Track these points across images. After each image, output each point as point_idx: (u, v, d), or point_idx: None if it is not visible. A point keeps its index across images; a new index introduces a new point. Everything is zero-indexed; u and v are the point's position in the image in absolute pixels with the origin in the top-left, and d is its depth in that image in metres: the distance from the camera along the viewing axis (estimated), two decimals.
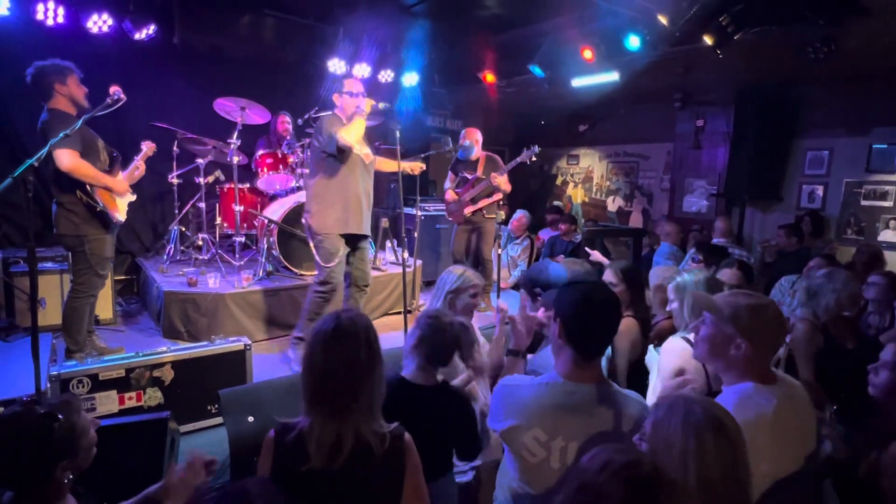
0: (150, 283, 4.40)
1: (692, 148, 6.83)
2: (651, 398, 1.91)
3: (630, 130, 7.58)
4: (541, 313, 1.92)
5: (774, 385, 1.50)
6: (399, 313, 4.85)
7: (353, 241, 3.57)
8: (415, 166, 4.04)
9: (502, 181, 4.59)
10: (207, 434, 2.71)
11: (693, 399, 1.18)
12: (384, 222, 5.25)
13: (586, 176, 8.46)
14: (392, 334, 4.19)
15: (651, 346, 2.30)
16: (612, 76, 5.18)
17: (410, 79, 6.29)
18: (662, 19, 3.51)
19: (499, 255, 4.47)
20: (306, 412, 1.34)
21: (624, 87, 5.47)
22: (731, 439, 1.10)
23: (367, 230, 3.59)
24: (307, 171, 4.63)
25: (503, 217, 4.67)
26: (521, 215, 6.40)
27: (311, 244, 3.49)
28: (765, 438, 1.36)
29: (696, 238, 6.24)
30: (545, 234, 6.88)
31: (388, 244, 5.29)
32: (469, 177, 4.78)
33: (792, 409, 1.48)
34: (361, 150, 3.46)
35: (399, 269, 4.96)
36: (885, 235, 5.45)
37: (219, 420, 2.75)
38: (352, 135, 3.27)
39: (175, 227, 4.70)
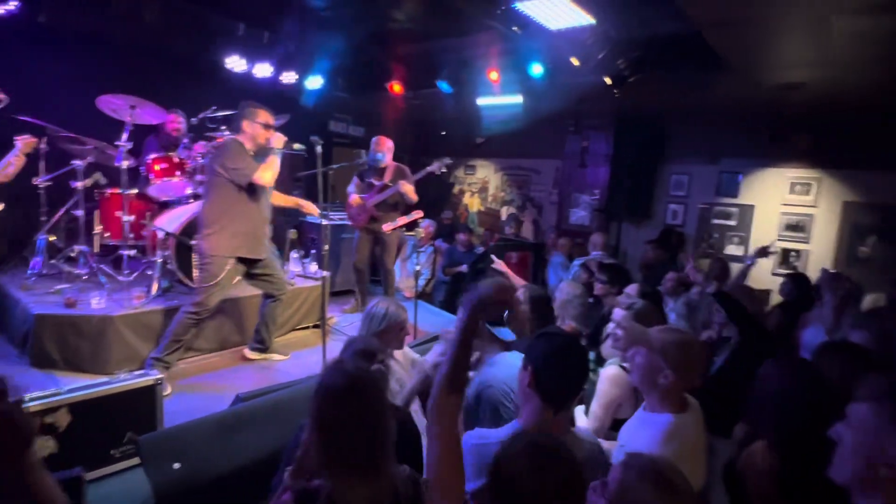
0: (11, 302, 3.77)
1: (578, 166, 7.48)
2: (591, 423, 2.11)
3: (524, 146, 8.08)
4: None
5: (686, 412, 1.75)
6: (307, 328, 4.71)
7: (249, 263, 3.52)
8: (312, 209, 3.97)
9: (410, 190, 4.67)
10: (112, 482, 2.42)
11: (663, 465, 1.23)
12: (291, 233, 5.03)
13: (482, 186, 8.85)
14: (306, 351, 4.07)
15: None
16: (516, 99, 5.50)
17: (314, 82, 6.09)
18: (574, 62, 3.84)
19: (416, 267, 4.51)
20: (328, 475, 1.26)
21: (524, 108, 5.84)
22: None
23: (264, 254, 3.57)
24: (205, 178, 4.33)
25: (422, 234, 4.74)
26: (426, 225, 6.52)
27: (196, 263, 3.42)
28: (684, 467, 1.60)
29: (578, 249, 6.86)
30: (442, 244, 7.01)
31: (295, 256, 5.09)
32: (376, 183, 4.78)
33: (696, 432, 1.75)
34: None
35: (306, 283, 4.84)
36: (730, 249, 6.47)
37: (124, 465, 2.48)
38: (269, 175, 3.29)
39: (42, 237, 4.06)
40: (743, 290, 4.63)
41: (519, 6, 3.26)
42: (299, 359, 3.92)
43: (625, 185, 6.93)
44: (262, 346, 3.82)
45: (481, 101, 5.76)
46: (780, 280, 4.76)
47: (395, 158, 4.95)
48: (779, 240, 6.06)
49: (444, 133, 8.35)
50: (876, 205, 5.58)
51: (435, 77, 5.72)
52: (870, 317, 3.90)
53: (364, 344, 2.01)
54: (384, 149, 4.74)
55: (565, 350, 1.57)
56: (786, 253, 6.08)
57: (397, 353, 2.63)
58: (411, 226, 4.88)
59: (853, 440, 1.02)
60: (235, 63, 5.26)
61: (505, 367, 2.16)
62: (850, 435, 1.04)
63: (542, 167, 8.15)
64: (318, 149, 3.44)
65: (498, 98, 5.61)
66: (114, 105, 3.99)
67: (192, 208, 4.10)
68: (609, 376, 2.14)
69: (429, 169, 4.83)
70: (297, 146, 3.56)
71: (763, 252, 4.25)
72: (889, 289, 4.67)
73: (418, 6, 4.75)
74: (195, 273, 3.37)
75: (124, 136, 3.81)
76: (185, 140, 4.57)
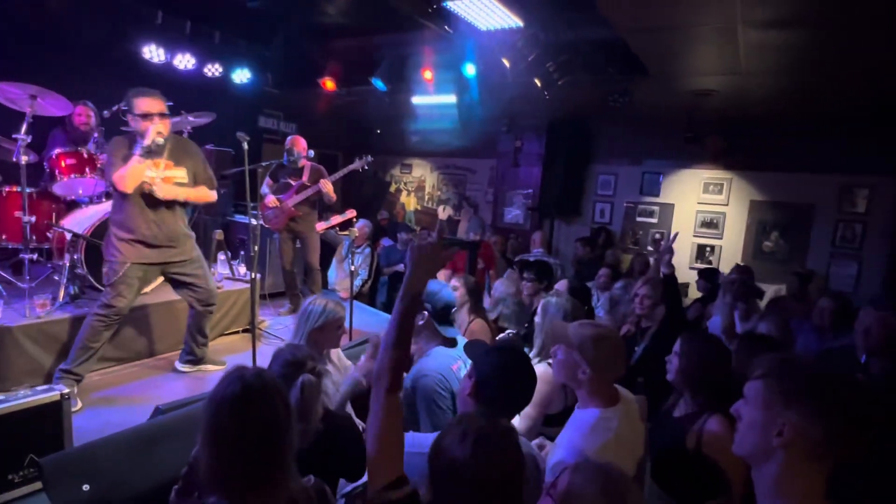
0: None
1: (512, 165, 7.65)
2: (524, 423, 2.14)
3: (459, 145, 8.15)
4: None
5: (616, 405, 1.81)
6: (237, 332, 4.51)
7: (165, 268, 3.25)
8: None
9: (330, 189, 4.59)
10: None
11: (612, 470, 1.23)
12: (217, 234, 4.79)
13: (419, 185, 8.84)
14: (236, 357, 3.88)
15: None
16: (451, 98, 5.54)
17: (241, 76, 5.83)
18: (506, 62, 3.92)
19: (351, 268, 4.44)
20: (222, 493, 1.19)
21: (458, 108, 5.90)
22: None
23: (179, 257, 3.26)
24: None
25: (356, 234, 4.67)
26: (362, 224, 6.41)
27: (105, 266, 3.09)
28: (614, 457, 1.65)
29: (511, 246, 7.03)
30: (386, 242, 6.99)
31: (222, 257, 4.85)
32: (293, 183, 4.67)
33: (628, 424, 1.81)
34: (160, 173, 3.06)
35: (235, 285, 4.63)
36: (653, 246, 6.85)
37: (26, 490, 2.26)
38: (128, 181, 2.89)
39: None
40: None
41: (450, 5, 3.28)
42: (229, 365, 3.74)
43: (556, 184, 7.16)
44: (194, 357, 3.60)
45: (416, 100, 5.74)
46: (696, 273, 5.12)
47: (329, 156, 4.85)
48: (695, 236, 6.49)
49: (379, 131, 8.26)
50: (778, 203, 6.11)
51: (370, 74, 5.64)
52: (773, 308, 4.27)
53: (291, 353, 1.94)
54: (300, 148, 4.63)
55: (513, 368, 1.55)
56: (701, 248, 6.52)
57: (333, 353, 2.57)
58: (344, 225, 4.79)
59: (749, 415, 1.10)
60: (153, 53, 4.94)
61: (440, 358, 2.18)
62: (746, 410, 1.11)
63: (477, 166, 8.26)
64: (245, 145, 3.28)
65: (432, 97, 5.61)
66: (10, 94, 3.61)
67: (104, 208, 3.80)
68: (539, 375, 2.18)
69: (351, 167, 4.76)
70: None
71: (664, 248, 4.53)
72: (789, 280, 5.12)
73: (349, 0, 4.68)
74: (104, 275, 3.07)
75: (23, 128, 3.46)
76: (96, 135, 4.23)
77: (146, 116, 2.88)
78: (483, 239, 6.77)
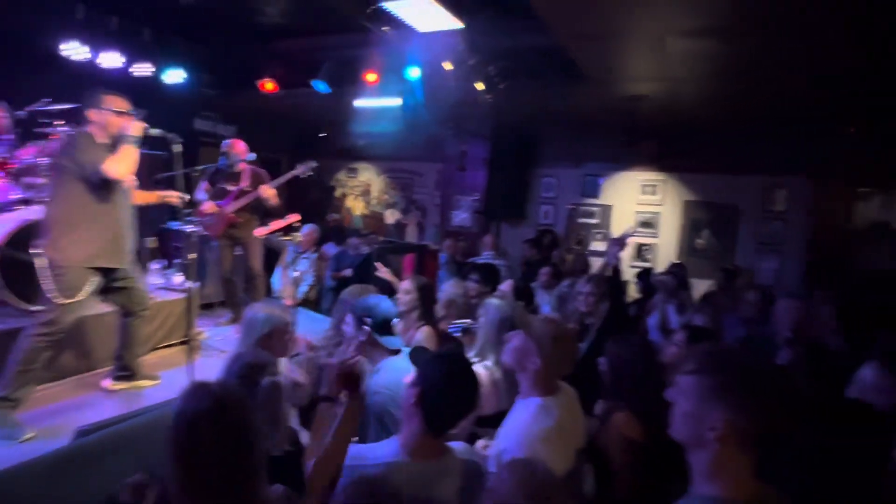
0: None
1: (458, 169, 7.71)
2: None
3: (405, 149, 8.13)
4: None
5: (557, 395, 1.87)
6: (172, 346, 4.28)
7: (108, 273, 3.08)
8: (172, 196, 3.62)
9: (272, 194, 4.47)
10: None
11: (531, 463, 1.25)
12: (151, 241, 4.54)
13: (365, 189, 8.75)
14: (172, 372, 3.68)
15: None
16: (395, 101, 5.51)
17: (175, 76, 5.56)
18: (447, 66, 3.94)
19: (295, 273, 4.32)
20: None
21: (402, 111, 5.87)
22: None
23: (126, 263, 3.13)
24: (39, 180, 3.74)
25: (299, 238, 4.55)
26: (310, 230, 6.26)
27: (49, 275, 2.85)
28: (551, 447, 1.71)
29: (461, 248, 7.07)
30: (330, 249, 6.85)
31: (156, 266, 4.60)
32: (231, 188, 4.51)
33: (569, 414, 1.88)
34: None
35: (170, 296, 4.40)
36: (595, 246, 7.08)
37: None
38: (123, 167, 2.84)
39: None
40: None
41: (388, 6, 3.26)
42: (164, 380, 3.54)
43: (501, 187, 7.28)
44: (127, 373, 3.36)
45: (359, 103, 5.68)
46: (635, 271, 5.33)
47: (272, 160, 4.71)
48: (634, 235, 6.76)
49: (324, 134, 8.12)
50: (709, 203, 6.47)
51: (312, 76, 5.53)
52: (705, 302, 4.52)
53: (254, 357, 1.87)
54: (238, 151, 4.48)
55: (457, 377, 1.54)
56: (639, 247, 6.80)
57: (280, 364, 2.48)
58: (287, 230, 4.66)
59: (683, 407, 1.15)
60: (74, 50, 4.63)
61: (391, 372, 2.15)
62: (680, 401, 1.16)
63: (424, 170, 8.27)
64: (177, 147, 3.13)
65: (376, 100, 5.57)
66: None
67: (18, 216, 3.52)
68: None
69: (293, 172, 4.65)
70: (154, 131, 3.07)
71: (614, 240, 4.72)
72: (719, 276, 5.43)
73: (290, 1, 4.57)
74: (48, 286, 2.80)
75: None
76: (10, 137, 3.91)
77: (121, 114, 2.93)
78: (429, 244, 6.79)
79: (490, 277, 3.60)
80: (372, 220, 8.62)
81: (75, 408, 3.15)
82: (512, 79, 4.11)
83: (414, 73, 4.89)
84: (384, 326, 2.29)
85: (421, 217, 8.29)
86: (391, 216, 8.47)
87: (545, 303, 4.52)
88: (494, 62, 3.92)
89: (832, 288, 4.44)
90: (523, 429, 1.77)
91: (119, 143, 2.92)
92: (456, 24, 3.41)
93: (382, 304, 2.30)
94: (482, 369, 2.21)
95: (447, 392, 1.49)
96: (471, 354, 2.46)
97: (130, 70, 5.20)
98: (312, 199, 8.86)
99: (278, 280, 5.99)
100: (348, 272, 6.17)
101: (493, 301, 2.38)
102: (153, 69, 5.27)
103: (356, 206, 8.79)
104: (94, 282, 3.00)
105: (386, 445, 1.55)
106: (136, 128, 2.94)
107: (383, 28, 3.55)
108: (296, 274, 6.26)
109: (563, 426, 1.79)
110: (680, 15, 3.11)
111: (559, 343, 1.81)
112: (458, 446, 1.63)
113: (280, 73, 5.79)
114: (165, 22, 5.16)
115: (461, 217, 7.87)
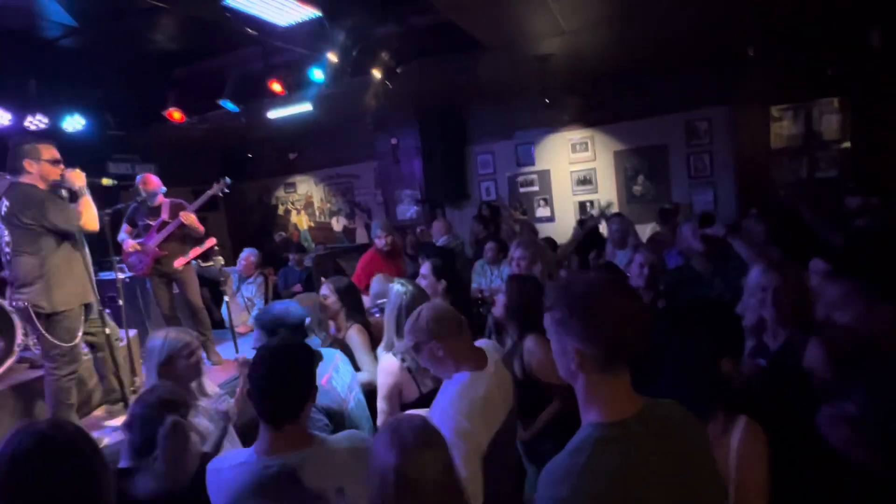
0: None
1: (393, 163, 7.64)
2: (380, 418, 2.13)
3: (337, 153, 8.04)
4: None
5: (484, 369, 1.83)
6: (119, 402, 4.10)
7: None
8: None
9: (193, 220, 4.35)
10: None
11: (400, 419, 1.25)
12: None
13: (307, 202, 8.60)
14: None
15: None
16: (306, 107, 5.41)
17: (73, 123, 5.33)
18: (332, 57, 3.86)
19: (246, 300, 4.21)
20: None
21: (324, 114, 5.77)
22: (438, 451, 1.21)
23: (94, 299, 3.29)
24: None
25: (221, 262, 4.45)
26: (248, 254, 6.12)
27: (48, 324, 2.99)
28: (481, 415, 1.69)
29: (411, 242, 7.01)
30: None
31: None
32: (153, 223, 4.39)
33: (497, 383, 1.84)
34: None
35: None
36: (540, 212, 7.13)
37: None
38: (93, 218, 3.03)
39: None
40: (548, 243, 5.19)
41: (233, 4, 3.17)
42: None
43: (439, 172, 7.25)
44: None
45: (272, 114, 5.56)
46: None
47: (201, 189, 4.57)
48: (574, 195, 6.83)
49: (250, 155, 7.94)
50: (638, 149, 6.57)
51: (218, 97, 5.38)
52: (650, 243, 4.60)
53: (168, 392, 1.76)
54: (152, 186, 4.36)
55: (277, 364, 1.46)
56: (582, 205, 6.88)
57: (208, 386, 2.39)
58: (205, 256, 4.54)
59: (552, 345, 1.15)
60: None
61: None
62: (551, 340, 1.16)
63: (360, 171, 8.18)
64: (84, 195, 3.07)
65: (288, 109, 5.46)
66: None
67: None
68: (382, 368, 2.15)
69: (209, 193, 4.53)
70: (106, 181, 3.22)
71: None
72: (658, 218, 5.53)
73: (170, 24, 4.41)
74: (48, 338, 2.92)
75: None
76: None
77: (56, 162, 2.99)
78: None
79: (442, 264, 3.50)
80: (319, 232, 8.50)
81: None
82: (409, 60, 4.05)
83: (318, 74, 4.80)
84: (299, 330, 2.24)
85: (367, 218, 8.20)
86: (338, 223, 8.37)
87: (496, 276, 4.52)
88: (386, 47, 3.85)
89: (762, 206, 4.57)
90: (448, 407, 1.73)
91: (75, 195, 3.07)
92: (312, 12, 3.35)
93: (290, 308, 2.25)
94: (390, 358, 2.16)
95: (267, 380, 1.42)
96: (380, 347, 2.44)
97: (25, 124, 4.96)
98: (256, 222, 8.69)
99: (226, 310, 5.84)
100: (298, 287, 6.06)
101: (395, 286, 2.33)
102: (46, 120, 5.03)
103: (301, 221, 8.64)
104: (81, 317, 3.18)
105: (243, 451, 1.50)
106: (78, 176, 3.04)
107: (247, 29, 3.45)
108: (246, 300, 6.12)
109: (491, 397, 1.76)
110: None
111: (440, 320, 1.73)
112: (336, 437, 1.58)
113: (185, 100, 5.62)
114: (51, 70, 4.93)
115: (409, 211, 7.82)
